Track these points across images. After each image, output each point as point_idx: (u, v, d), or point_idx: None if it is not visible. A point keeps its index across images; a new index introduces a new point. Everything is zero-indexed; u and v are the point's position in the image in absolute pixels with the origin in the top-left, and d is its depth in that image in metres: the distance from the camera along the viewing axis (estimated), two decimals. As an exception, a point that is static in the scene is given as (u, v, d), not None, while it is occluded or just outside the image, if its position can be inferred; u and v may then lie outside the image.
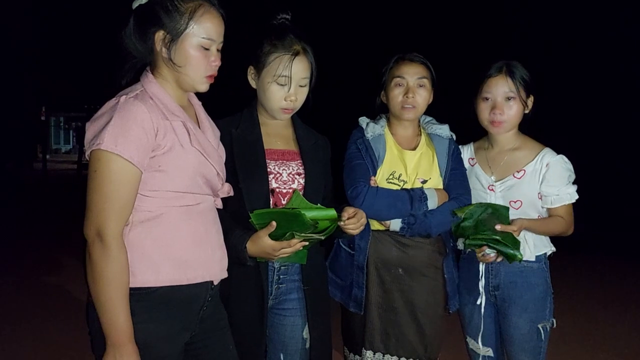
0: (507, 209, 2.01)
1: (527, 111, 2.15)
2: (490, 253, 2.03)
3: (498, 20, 9.70)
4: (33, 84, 16.04)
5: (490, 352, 2.21)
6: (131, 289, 1.41)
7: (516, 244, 1.96)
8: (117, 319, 1.37)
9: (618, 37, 9.33)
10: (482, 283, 2.14)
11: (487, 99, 2.13)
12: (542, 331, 2.10)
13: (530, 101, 2.14)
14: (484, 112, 2.15)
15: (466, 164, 2.26)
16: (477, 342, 2.20)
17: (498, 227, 1.97)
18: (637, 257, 6.84)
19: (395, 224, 2.05)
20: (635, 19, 8.93)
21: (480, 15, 9.84)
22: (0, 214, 9.13)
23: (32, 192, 13.49)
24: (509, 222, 2.00)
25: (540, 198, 2.12)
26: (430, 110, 2.26)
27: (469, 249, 2.09)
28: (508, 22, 9.60)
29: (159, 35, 1.51)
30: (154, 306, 1.46)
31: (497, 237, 1.96)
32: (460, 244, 2.26)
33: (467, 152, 2.29)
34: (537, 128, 2.25)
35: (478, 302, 2.16)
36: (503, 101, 2.10)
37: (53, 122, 31.30)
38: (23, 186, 14.46)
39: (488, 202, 2.12)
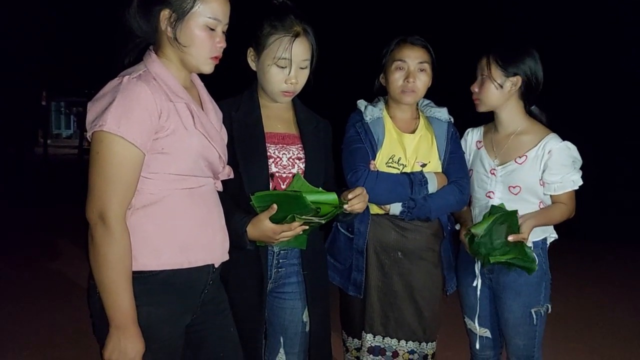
0: (515, 212, 2.02)
1: (507, 90, 2.10)
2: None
3: (497, 13, 9.65)
4: (34, 68, 15.96)
5: (487, 333, 2.23)
6: (133, 272, 1.41)
7: (530, 258, 2.01)
8: (121, 301, 1.38)
9: (617, 30, 9.29)
10: (477, 265, 2.17)
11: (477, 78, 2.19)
12: (534, 316, 2.10)
13: (511, 82, 2.09)
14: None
15: (473, 147, 2.26)
16: (474, 323, 2.23)
17: (511, 238, 1.99)
18: (634, 241, 6.87)
19: (396, 208, 2.05)
20: (635, 12, 8.88)
21: (479, 8, 9.79)
22: (1, 198, 9.14)
23: (33, 176, 13.49)
24: (518, 227, 2.01)
25: (543, 185, 2.10)
26: (431, 98, 2.26)
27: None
28: (507, 14, 9.55)
29: (164, 13, 1.48)
30: (156, 289, 1.46)
31: (513, 255, 2.00)
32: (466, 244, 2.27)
33: (476, 135, 2.29)
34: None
35: (474, 284, 2.18)
36: (480, 79, 2.15)
37: (54, 107, 31.19)
38: (24, 171, 14.45)
39: (489, 187, 2.13)
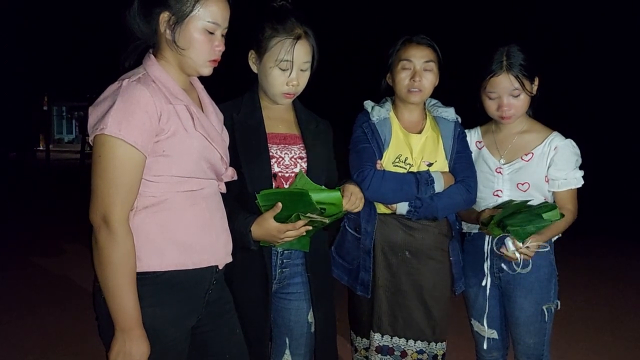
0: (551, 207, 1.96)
1: (533, 94, 2.13)
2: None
3: (503, 4, 9.66)
4: (35, 73, 16.00)
5: (495, 334, 2.22)
6: (137, 273, 1.41)
7: (548, 206, 1.94)
8: (125, 304, 1.38)
9: (625, 29, 9.32)
10: (487, 264, 2.15)
11: (492, 97, 2.12)
12: (546, 312, 2.11)
13: (535, 86, 2.13)
14: (491, 107, 2.14)
15: (473, 148, 2.26)
16: (482, 324, 2.22)
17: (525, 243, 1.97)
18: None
19: (402, 208, 2.05)
20: (635, 11, 8.91)
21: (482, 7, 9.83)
22: (3, 203, 9.16)
23: (35, 181, 13.52)
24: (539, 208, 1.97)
25: (547, 181, 2.11)
26: (436, 94, 2.24)
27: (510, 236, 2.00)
28: (509, 14, 9.57)
29: (164, 16, 1.49)
30: (160, 290, 1.47)
31: (519, 203, 1.96)
32: (464, 227, 2.26)
33: (474, 136, 2.29)
34: (542, 114, 2.25)
35: (483, 284, 2.17)
36: (509, 97, 2.09)
37: (55, 111, 31.30)
38: (26, 176, 14.49)
39: (496, 186, 2.14)
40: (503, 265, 2.10)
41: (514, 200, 2.05)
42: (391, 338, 2.11)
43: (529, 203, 1.99)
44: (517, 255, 1.98)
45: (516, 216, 1.93)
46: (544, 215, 1.90)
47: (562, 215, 1.95)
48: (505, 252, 2.00)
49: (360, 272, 2.11)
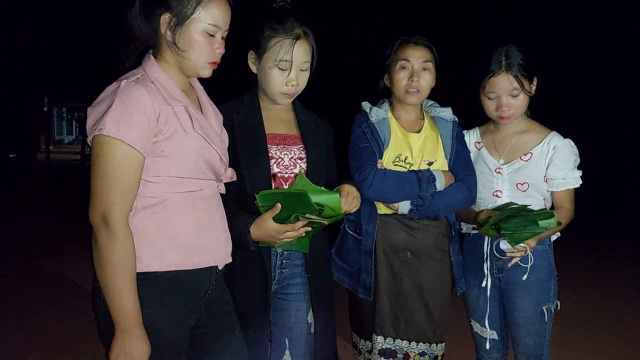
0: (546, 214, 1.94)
1: (532, 94, 2.14)
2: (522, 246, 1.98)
3: (503, 4, 9.67)
4: (35, 74, 15.99)
5: (495, 335, 2.22)
6: (137, 273, 1.41)
7: (546, 213, 1.93)
8: (126, 304, 1.38)
9: (620, 26, 9.33)
10: (487, 265, 2.15)
11: (491, 97, 2.12)
12: (546, 313, 2.11)
13: (534, 85, 2.13)
14: (490, 107, 2.14)
15: (472, 148, 2.26)
16: (483, 326, 2.21)
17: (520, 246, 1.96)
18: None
19: (404, 207, 2.05)
20: (635, 10, 8.92)
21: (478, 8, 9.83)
22: (4, 204, 9.15)
23: (36, 182, 13.51)
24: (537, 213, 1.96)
25: (546, 181, 2.12)
26: (435, 95, 2.25)
27: (504, 237, 1.99)
28: (506, 13, 9.58)
29: (165, 17, 1.49)
30: (160, 290, 1.47)
31: (518, 207, 1.94)
32: (463, 227, 2.26)
33: (473, 136, 2.29)
34: (541, 114, 2.25)
35: (483, 285, 2.16)
36: (508, 97, 2.09)
37: (55, 112, 31.32)
38: (27, 177, 14.48)
39: (495, 186, 2.14)
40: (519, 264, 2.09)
41: (513, 203, 2.05)
42: (394, 341, 2.10)
43: (528, 207, 1.99)
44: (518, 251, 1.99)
45: (512, 220, 1.93)
46: (540, 223, 1.90)
47: (559, 223, 1.95)
48: (508, 253, 2.01)
49: (362, 274, 2.11)
